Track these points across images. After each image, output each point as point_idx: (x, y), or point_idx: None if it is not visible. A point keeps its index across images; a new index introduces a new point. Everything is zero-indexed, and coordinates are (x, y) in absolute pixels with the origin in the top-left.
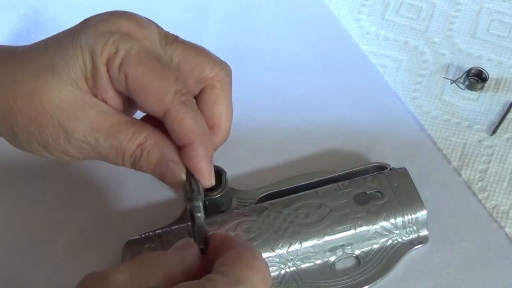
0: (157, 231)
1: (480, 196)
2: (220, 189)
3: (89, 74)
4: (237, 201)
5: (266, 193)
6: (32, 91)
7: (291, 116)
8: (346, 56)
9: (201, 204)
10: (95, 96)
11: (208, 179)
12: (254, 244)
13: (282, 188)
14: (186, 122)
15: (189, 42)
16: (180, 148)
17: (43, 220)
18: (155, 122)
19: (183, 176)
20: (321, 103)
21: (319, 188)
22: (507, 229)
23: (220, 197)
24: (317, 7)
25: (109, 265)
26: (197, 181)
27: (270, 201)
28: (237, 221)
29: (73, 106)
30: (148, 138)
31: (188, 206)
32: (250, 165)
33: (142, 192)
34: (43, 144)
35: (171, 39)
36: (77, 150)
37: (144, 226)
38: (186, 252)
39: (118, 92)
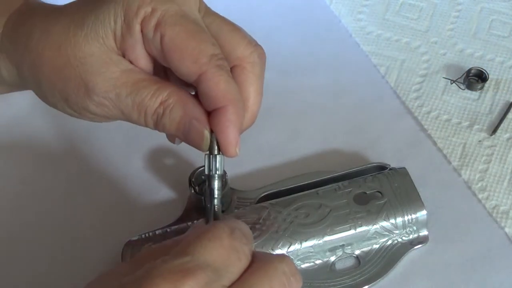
0: (157, 231)
1: (480, 196)
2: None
3: (119, 32)
4: (237, 201)
5: (266, 193)
6: (60, 42)
7: (291, 116)
8: (346, 56)
9: (218, 185)
10: (123, 56)
11: (233, 148)
12: (254, 244)
13: (282, 188)
14: (221, 85)
15: (227, 19)
16: (209, 113)
17: (43, 221)
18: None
19: (208, 135)
20: (321, 103)
21: (319, 188)
22: (507, 229)
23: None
24: (317, 7)
25: (109, 265)
26: (220, 155)
27: (270, 201)
28: None
29: (97, 61)
30: (172, 95)
31: (206, 182)
32: (250, 165)
33: (142, 192)
34: (64, 96)
35: (209, 12)
36: (98, 107)
37: (144, 226)
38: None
39: (147, 54)
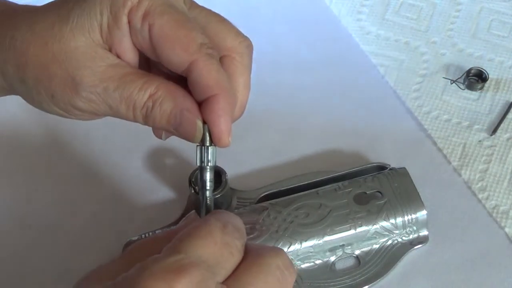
0: (157, 231)
1: (480, 196)
2: (220, 189)
3: (105, 24)
4: (237, 201)
5: (266, 193)
6: (46, 38)
7: (291, 116)
8: (346, 56)
9: (209, 177)
10: (109, 50)
11: (226, 138)
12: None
13: (282, 188)
14: (212, 73)
15: (213, 11)
16: (200, 104)
17: (43, 221)
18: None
19: (200, 125)
20: (321, 103)
21: (319, 188)
22: (507, 229)
23: (220, 197)
24: (317, 7)
25: None
26: (212, 147)
27: (270, 201)
28: None
29: (83, 55)
30: (160, 88)
31: (199, 174)
32: (250, 165)
33: (142, 192)
34: (50, 93)
35: (195, 5)
36: (85, 102)
37: (144, 226)
38: (176, 229)
39: (134, 47)
